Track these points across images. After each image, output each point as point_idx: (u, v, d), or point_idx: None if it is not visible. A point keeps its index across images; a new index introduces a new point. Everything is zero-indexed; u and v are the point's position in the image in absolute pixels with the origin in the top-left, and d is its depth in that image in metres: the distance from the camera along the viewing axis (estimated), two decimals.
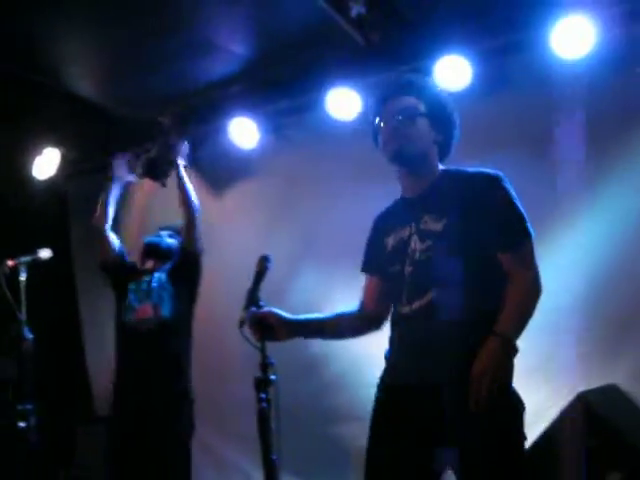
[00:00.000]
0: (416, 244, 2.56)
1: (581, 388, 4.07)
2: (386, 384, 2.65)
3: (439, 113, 2.66)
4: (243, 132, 5.33)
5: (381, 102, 2.69)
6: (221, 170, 5.74)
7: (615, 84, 4.13)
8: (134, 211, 5.86)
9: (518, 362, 4.71)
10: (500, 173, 2.56)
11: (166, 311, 4.22)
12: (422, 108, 2.63)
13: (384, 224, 2.80)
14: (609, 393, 4.08)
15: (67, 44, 4.69)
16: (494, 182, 2.53)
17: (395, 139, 2.59)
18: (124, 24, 4.44)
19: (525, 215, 2.50)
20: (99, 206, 4.53)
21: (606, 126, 4.31)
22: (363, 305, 2.87)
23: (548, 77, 4.42)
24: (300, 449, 4.30)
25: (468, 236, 2.44)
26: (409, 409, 2.46)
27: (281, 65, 5.00)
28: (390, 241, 2.68)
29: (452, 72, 4.57)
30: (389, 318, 2.78)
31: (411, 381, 2.49)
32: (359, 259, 3.85)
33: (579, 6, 4.19)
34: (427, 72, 4.59)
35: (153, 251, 4.41)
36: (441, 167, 2.70)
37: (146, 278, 4.33)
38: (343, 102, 4.93)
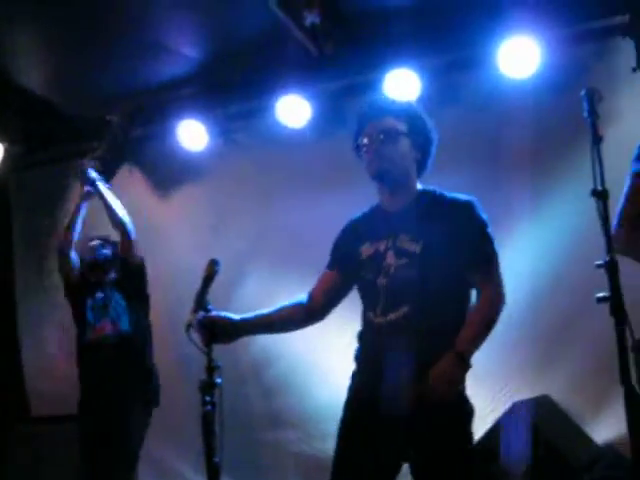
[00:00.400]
0: (392, 259, 2.69)
1: (516, 398, 4.20)
2: (356, 387, 2.77)
3: (419, 133, 2.79)
4: (192, 134, 5.31)
5: (365, 122, 2.80)
6: (169, 172, 5.71)
7: (559, 104, 4.28)
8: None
9: None
10: (474, 199, 2.71)
11: (125, 324, 4.27)
12: (403, 128, 2.75)
13: (358, 230, 2.88)
14: (542, 403, 4.20)
15: (17, 39, 4.62)
16: (471, 210, 2.68)
17: (378, 159, 2.72)
18: (76, 22, 4.40)
19: (493, 237, 2.69)
20: (66, 226, 4.51)
21: (550, 143, 4.48)
22: (312, 295, 2.92)
23: (495, 94, 4.57)
24: (240, 453, 4.33)
25: (442, 259, 2.61)
26: (377, 414, 2.60)
27: (232, 70, 5.01)
28: (365, 250, 2.78)
29: (401, 85, 4.67)
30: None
31: (379, 388, 2.61)
32: (306, 262, 3.97)
33: (524, 28, 4.33)
34: (377, 84, 4.69)
35: (93, 268, 4.41)
36: (419, 186, 2.82)
37: (99, 294, 4.35)
38: (293, 109, 4.97)
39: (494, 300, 2.65)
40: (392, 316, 2.63)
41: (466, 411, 2.62)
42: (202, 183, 5.64)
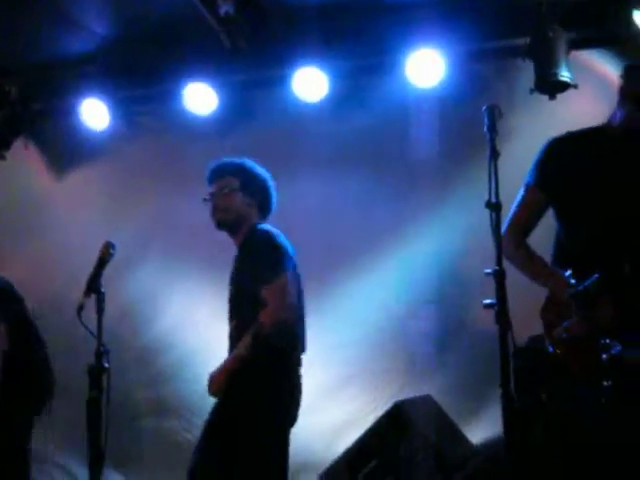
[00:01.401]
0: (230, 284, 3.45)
1: (399, 397, 4.32)
2: None
3: (251, 185, 3.48)
4: (94, 113, 5.15)
5: (209, 183, 3.50)
6: (67, 149, 5.54)
7: (462, 116, 4.43)
8: None
9: (339, 370, 4.98)
10: (265, 228, 3.38)
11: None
12: (237, 184, 3.44)
13: None
14: (423, 403, 4.33)
15: None
16: (257, 237, 3.35)
17: (215, 213, 3.45)
18: None
19: (278, 257, 3.25)
20: None
21: (452, 153, 4.63)
22: None
23: (402, 102, 4.68)
24: (123, 440, 4.26)
25: (243, 280, 3.33)
26: None
27: (142, 51, 4.90)
28: None
29: (309, 84, 4.72)
30: None
31: None
32: (200, 254, 4.67)
33: (431, 40, 4.46)
34: (286, 80, 4.72)
35: None
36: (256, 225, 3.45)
37: None
38: (200, 98, 4.92)
39: (267, 314, 3.15)
40: (229, 328, 3.37)
41: (236, 405, 3.10)
42: (101, 163, 5.50)
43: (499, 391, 2.27)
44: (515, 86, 4.54)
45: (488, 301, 2.31)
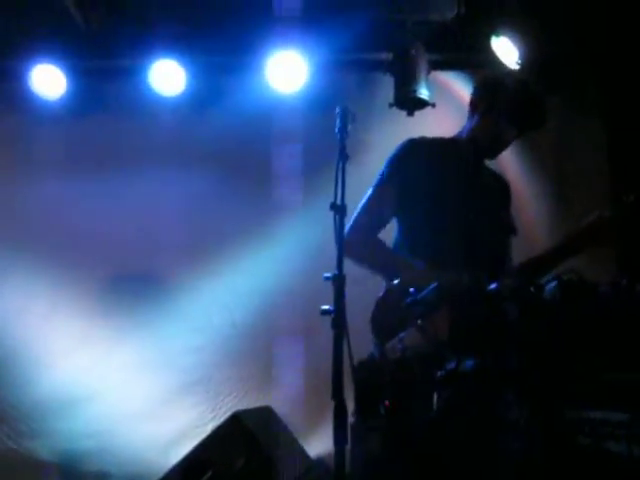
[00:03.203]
0: None
1: (239, 407, 4.21)
2: None
3: None
4: None
5: None
6: None
7: (322, 123, 4.38)
8: None
9: (180, 377, 4.81)
10: None
11: None
12: None
13: None
14: (262, 414, 4.25)
15: None
16: None
17: None
18: None
19: None
20: None
21: (313, 157, 4.57)
22: None
23: (265, 103, 4.58)
24: None
25: None
26: None
27: None
28: None
29: (167, 76, 4.55)
30: None
31: None
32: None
33: (294, 44, 4.41)
34: (141, 71, 4.53)
35: None
36: None
37: None
38: (48, 80, 4.61)
39: None
40: None
41: None
42: None
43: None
44: (375, 99, 4.57)
45: (325, 307, 2.21)
